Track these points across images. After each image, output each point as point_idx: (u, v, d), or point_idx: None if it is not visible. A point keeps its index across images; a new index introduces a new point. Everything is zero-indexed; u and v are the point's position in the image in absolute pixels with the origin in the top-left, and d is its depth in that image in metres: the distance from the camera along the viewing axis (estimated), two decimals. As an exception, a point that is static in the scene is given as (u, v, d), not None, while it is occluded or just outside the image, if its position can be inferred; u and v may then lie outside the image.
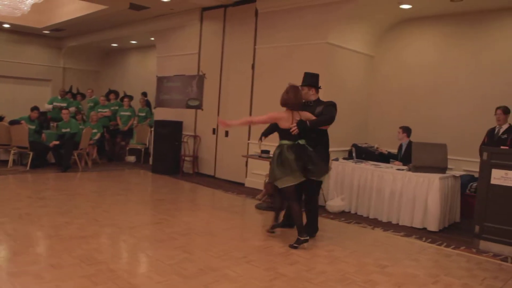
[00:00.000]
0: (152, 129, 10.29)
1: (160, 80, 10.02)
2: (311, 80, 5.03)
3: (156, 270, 3.70)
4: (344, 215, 6.28)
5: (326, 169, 4.92)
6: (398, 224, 5.91)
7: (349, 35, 7.43)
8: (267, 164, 6.37)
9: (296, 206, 4.66)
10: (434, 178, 5.66)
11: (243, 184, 8.24)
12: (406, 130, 6.81)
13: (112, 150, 10.58)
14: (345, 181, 6.53)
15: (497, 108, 5.92)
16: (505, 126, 5.85)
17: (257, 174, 7.91)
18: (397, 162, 6.69)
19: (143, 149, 10.42)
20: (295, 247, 4.55)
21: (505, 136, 5.80)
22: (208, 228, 5.21)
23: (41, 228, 4.76)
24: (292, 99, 4.68)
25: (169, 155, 9.06)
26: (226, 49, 8.72)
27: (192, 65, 9.35)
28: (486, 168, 4.97)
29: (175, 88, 9.69)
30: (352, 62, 7.69)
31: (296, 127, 4.58)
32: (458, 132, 7.02)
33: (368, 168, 6.32)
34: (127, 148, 10.49)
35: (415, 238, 5.29)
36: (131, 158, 10.33)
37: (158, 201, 6.61)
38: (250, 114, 8.16)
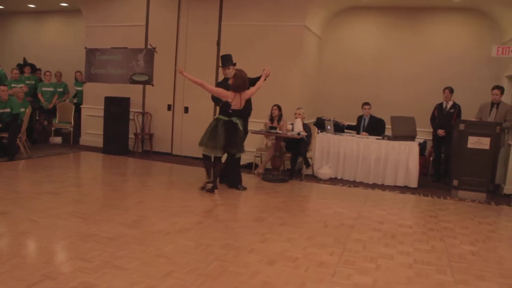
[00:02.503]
0: (81, 106, 9.36)
1: (91, 52, 9.02)
2: (231, 60, 6.24)
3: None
4: (333, 181, 7.25)
5: (243, 149, 5.94)
6: (383, 184, 7.20)
7: (314, 19, 8.19)
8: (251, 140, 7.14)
9: (210, 163, 5.83)
10: (413, 145, 7.07)
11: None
12: (368, 105, 8.04)
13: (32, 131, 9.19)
14: (331, 151, 7.46)
15: (445, 88, 7.59)
16: (450, 103, 7.58)
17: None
18: (363, 133, 7.90)
19: (71, 130, 9.32)
20: (202, 188, 5.83)
21: (452, 110, 7.54)
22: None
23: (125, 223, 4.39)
24: (239, 84, 5.62)
25: (120, 134, 8.46)
26: (183, 24, 8.48)
27: (136, 37, 8.75)
28: (463, 136, 6.55)
29: (113, 61, 8.90)
30: (312, 44, 8.49)
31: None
32: (395, 109, 8.51)
33: (353, 139, 7.38)
34: (53, 129, 9.22)
35: (398, 193, 6.65)
36: (57, 139, 9.15)
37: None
38: (216, 91, 8.29)
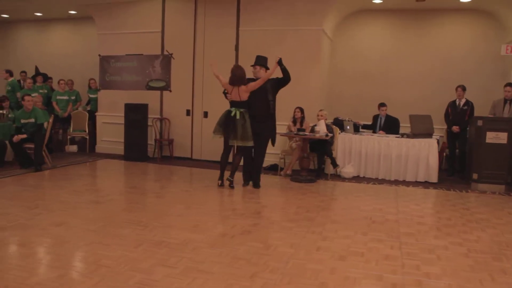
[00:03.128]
0: (96, 114, 9.40)
1: (105, 59, 9.10)
2: (262, 61, 6.47)
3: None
4: (357, 179, 7.52)
5: (245, 140, 6.28)
6: (404, 180, 7.49)
7: (328, 22, 8.44)
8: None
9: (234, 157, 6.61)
10: (433, 142, 7.39)
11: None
12: (385, 106, 8.32)
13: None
14: (353, 150, 7.72)
15: (458, 86, 7.92)
16: (463, 100, 7.93)
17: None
18: (381, 132, 8.18)
19: (87, 137, 9.34)
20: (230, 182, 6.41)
21: (465, 107, 7.89)
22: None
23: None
24: (232, 78, 6.29)
25: (140, 141, 8.55)
26: (199, 29, 8.62)
27: (152, 44, 8.85)
28: (482, 132, 6.89)
29: (128, 68, 9.00)
30: (326, 46, 8.74)
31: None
32: (405, 108, 8.76)
33: (374, 138, 7.66)
34: (68, 137, 9.23)
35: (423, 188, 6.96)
36: (73, 148, 9.17)
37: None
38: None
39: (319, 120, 7.41)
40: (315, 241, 4.22)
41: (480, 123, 6.93)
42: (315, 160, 7.70)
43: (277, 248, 3.98)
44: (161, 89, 8.87)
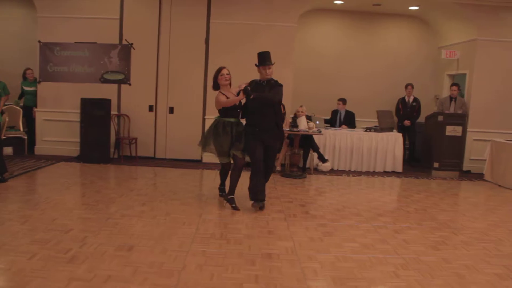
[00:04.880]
0: (35, 109, 8.09)
1: (48, 47, 7.81)
2: (270, 57, 5.34)
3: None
4: (333, 172, 7.91)
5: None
6: (374, 171, 8.12)
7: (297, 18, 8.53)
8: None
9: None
10: (398, 135, 8.16)
11: (199, 161, 8.17)
12: (345, 102, 8.84)
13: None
14: (327, 145, 8.07)
15: (408, 85, 8.85)
16: (412, 97, 8.89)
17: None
18: (343, 126, 8.69)
19: (25, 138, 7.91)
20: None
21: (414, 104, 8.86)
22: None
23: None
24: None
25: (101, 140, 7.61)
26: (165, 19, 7.96)
27: (109, 32, 7.89)
28: (441, 126, 7.85)
29: (79, 58, 7.88)
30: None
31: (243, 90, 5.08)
32: (357, 105, 9.36)
33: (347, 132, 8.11)
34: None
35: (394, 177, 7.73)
36: (8, 150, 7.65)
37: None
38: (205, 90, 8.11)
39: (299, 116, 7.57)
40: (381, 236, 4.43)
41: (440, 118, 7.89)
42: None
43: (377, 245, 4.09)
44: (119, 82, 8.00)
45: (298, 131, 7.17)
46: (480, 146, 8.23)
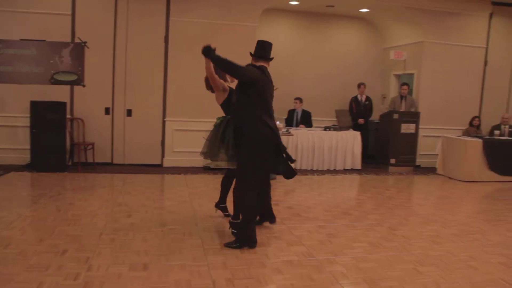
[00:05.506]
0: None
1: (-12, 44, 6.97)
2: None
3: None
4: (297, 171, 7.97)
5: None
6: (334, 169, 8.34)
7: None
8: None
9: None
10: (357, 134, 8.45)
11: (159, 166, 7.82)
12: (301, 100, 8.95)
13: None
14: (289, 145, 8.12)
15: (361, 84, 9.21)
16: (364, 96, 9.26)
17: (182, 152, 7.84)
18: (301, 126, 8.80)
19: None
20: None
21: (367, 102, 9.24)
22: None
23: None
24: None
25: (56, 147, 6.96)
26: (122, 16, 7.47)
27: (59, 29, 7.22)
28: (397, 123, 8.28)
29: (25, 57, 7.10)
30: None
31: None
32: (311, 102, 9.66)
33: (308, 132, 8.23)
34: None
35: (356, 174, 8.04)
36: None
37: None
38: (165, 91, 7.78)
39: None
40: (418, 235, 4.58)
41: (396, 116, 8.33)
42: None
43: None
44: (72, 83, 7.36)
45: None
46: (428, 142, 8.81)
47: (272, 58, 4.35)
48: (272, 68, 7.78)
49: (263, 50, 4.26)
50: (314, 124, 9.07)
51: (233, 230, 4.16)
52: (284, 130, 7.42)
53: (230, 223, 4.27)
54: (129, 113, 7.74)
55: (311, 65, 9.82)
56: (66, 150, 7.19)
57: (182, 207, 5.31)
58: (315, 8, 9.42)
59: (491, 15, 9.07)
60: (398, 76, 9.89)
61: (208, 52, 4.00)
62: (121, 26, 7.55)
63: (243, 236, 3.97)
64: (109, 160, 7.77)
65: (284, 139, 7.90)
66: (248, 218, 4.02)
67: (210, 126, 4.50)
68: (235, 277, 3.33)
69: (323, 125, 8.73)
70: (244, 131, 4.02)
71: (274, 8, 9.32)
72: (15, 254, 3.58)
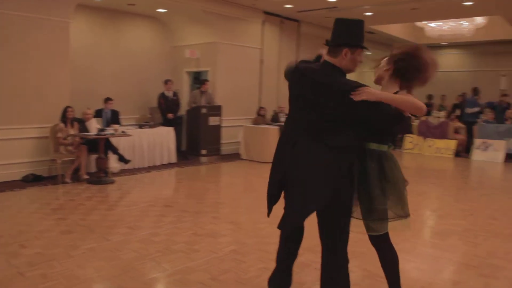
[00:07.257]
0: None
1: None
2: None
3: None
4: (125, 171, 7.86)
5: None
6: (154, 165, 8.53)
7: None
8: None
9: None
10: (170, 129, 8.85)
11: None
12: (109, 100, 8.63)
13: None
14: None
15: (168, 80, 9.47)
16: (171, 92, 9.61)
17: None
18: (115, 125, 8.48)
19: None
20: None
21: (175, 97, 9.60)
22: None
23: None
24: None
25: None
26: None
27: None
28: (205, 117, 9.07)
29: None
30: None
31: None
32: (111, 96, 9.38)
33: (126, 131, 8.11)
34: None
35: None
36: None
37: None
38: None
39: (88, 120, 7.16)
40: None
41: (204, 110, 9.11)
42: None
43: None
44: None
45: (101, 134, 6.82)
46: (227, 131, 9.98)
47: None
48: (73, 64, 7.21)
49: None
50: (125, 122, 8.95)
51: None
52: (120, 131, 7.18)
53: None
54: None
55: (112, 62, 9.58)
56: None
57: (154, 206, 4.72)
58: (117, 5, 9.24)
59: (263, 22, 10.85)
60: (189, 73, 10.71)
61: None
62: None
63: None
64: None
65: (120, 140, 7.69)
66: None
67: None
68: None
69: (129, 123, 8.78)
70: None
71: (83, 4, 8.65)
72: None
